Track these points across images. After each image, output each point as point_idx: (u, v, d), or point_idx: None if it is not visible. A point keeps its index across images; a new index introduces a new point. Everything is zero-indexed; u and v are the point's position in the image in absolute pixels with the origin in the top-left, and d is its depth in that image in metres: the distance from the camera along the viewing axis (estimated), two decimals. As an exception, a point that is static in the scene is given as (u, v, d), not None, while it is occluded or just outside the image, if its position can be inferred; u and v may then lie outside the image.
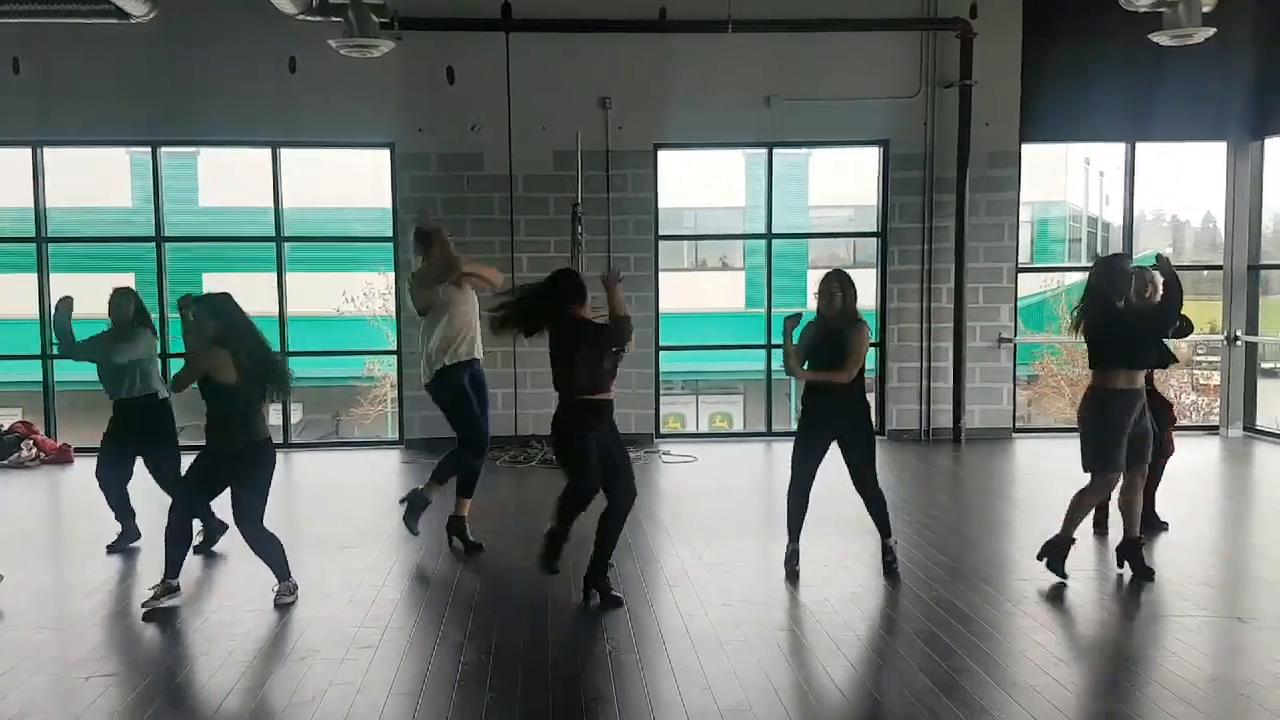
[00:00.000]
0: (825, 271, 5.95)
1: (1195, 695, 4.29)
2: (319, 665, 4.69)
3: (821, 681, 4.55)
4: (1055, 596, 5.58)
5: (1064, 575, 5.79)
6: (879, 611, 5.46)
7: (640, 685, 4.46)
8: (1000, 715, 4.12)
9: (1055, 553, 5.87)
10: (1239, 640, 5.03)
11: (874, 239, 11.03)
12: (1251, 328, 11.09)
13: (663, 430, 11.24)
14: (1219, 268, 11.35)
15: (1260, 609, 5.42)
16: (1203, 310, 16.21)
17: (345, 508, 8.05)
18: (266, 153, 10.51)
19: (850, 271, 5.95)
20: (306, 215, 13.72)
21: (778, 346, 10.98)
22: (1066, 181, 18.93)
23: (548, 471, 9.35)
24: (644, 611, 5.40)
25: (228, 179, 16.70)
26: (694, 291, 19.25)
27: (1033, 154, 11.15)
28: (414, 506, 6.57)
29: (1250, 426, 11.00)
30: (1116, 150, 11.20)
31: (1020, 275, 11.08)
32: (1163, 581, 5.83)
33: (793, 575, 5.91)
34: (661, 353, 10.87)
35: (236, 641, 4.99)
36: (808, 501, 5.95)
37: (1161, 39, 8.39)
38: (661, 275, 10.91)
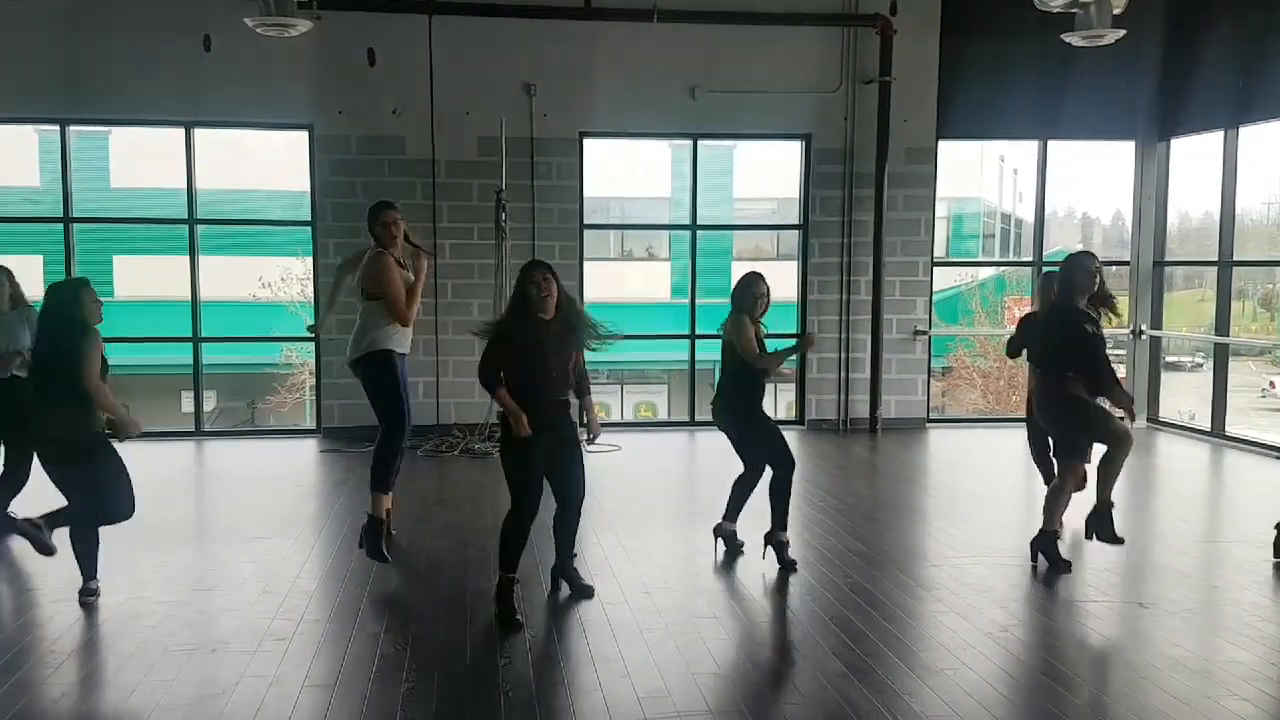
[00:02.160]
0: (749, 273, 6.16)
1: (1099, 680, 4.45)
2: (230, 658, 4.61)
3: (738, 667, 4.61)
4: (965, 583, 5.71)
5: (1067, 567, 5.90)
6: (796, 598, 5.54)
7: (559, 674, 4.46)
8: (910, 699, 4.21)
9: (1047, 548, 5.97)
10: (1141, 625, 5.21)
11: (796, 232, 11.16)
12: (1156, 322, 11.48)
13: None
14: (1126, 263, 11.71)
15: (1161, 595, 5.62)
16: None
17: (260, 498, 7.89)
18: (180, 133, 10.23)
19: (772, 264, 6.11)
20: (221, 198, 13.40)
21: (702, 337, 11.19)
22: (982, 178, 19.38)
23: (469, 461, 9.30)
24: (565, 601, 5.40)
25: (140, 159, 16.24)
26: (620, 281, 19.27)
27: (949, 150, 11.39)
28: (371, 535, 6.04)
29: (1154, 418, 11.39)
30: (1029, 148, 11.48)
31: (935, 269, 11.32)
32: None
33: (733, 555, 6.16)
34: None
35: (145, 634, 4.87)
36: None
37: (1073, 39, 8.61)
38: (587, 265, 10.90)
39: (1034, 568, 6.01)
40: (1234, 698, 4.25)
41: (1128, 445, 5.96)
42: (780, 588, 5.68)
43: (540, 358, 4.97)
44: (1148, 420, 11.37)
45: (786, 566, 5.89)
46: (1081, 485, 6.19)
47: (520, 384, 5.01)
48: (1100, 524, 6.00)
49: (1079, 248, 18.43)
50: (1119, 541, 6.00)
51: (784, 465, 6.01)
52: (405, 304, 6.06)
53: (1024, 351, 7.06)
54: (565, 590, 5.50)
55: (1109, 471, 5.97)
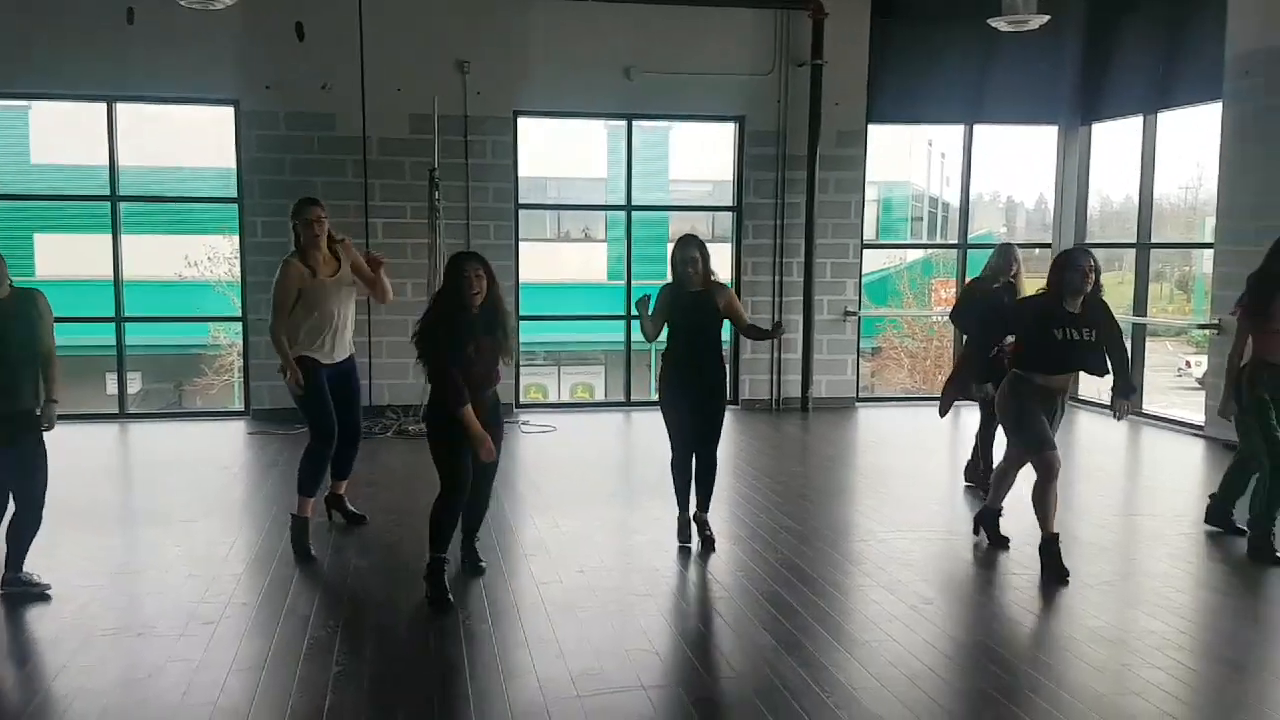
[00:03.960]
0: (680, 236, 5.98)
1: (1020, 650, 4.59)
2: (156, 641, 4.54)
3: (672, 643, 4.67)
4: (892, 557, 5.84)
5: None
6: (728, 574, 5.61)
7: (492, 654, 4.47)
8: (838, 671, 4.31)
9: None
10: (1060, 598, 5.37)
11: (730, 213, 11.23)
12: (1073, 303, 11.74)
13: (523, 400, 11.20)
14: (1048, 246, 11.99)
15: (1079, 568, 5.78)
16: (1033, 287, 17.11)
17: (187, 481, 7.75)
18: (102, 108, 9.95)
19: (709, 246, 5.96)
20: (145, 174, 13.07)
21: (638, 318, 11.12)
22: (911, 162, 19.66)
23: (402, 442, 9.24)
24: (499, 582, 5.41)
25: (61, 135, 15.74)
26: (556, 262, 19.22)
27: (880, 134, 11.53)
28: (294, 533, 5.84)
29: (1074, 396, 11.67)
30: (956, 133, 11.68)
31: (865, 251, 11.48)
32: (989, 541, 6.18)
33: (685, 547, 5.97)
34: (523, 323, 10.83)
35: (67, 618, 4.78)
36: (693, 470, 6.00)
37: (999, 24, 8.79)
38: (524, 245, 10.86)
39: (973, 540, 6.19)
40: (1149, 666, 4.41)
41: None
42: (714, 565, 5.75)
43: (472, 353, 4.91)
44: (1070, 398, 11.65)
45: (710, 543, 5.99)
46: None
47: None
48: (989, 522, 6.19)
49: (1003, 231, 18.62)
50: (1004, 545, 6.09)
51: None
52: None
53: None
54: (490, 573, 5.50)
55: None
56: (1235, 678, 4.38)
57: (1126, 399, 5.81)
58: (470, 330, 4.89)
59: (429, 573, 5.05)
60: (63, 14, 9.47)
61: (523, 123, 10.55)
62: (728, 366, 6.14)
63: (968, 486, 7.53)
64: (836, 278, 11.09)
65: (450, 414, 4.86)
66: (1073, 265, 5.57)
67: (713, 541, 5.96)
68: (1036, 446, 5.61)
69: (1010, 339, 6.24)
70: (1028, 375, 5.66)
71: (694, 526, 6.03)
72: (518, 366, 10.82)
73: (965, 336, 7.48)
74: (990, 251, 7.79)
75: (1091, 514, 6.99)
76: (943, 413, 6.41)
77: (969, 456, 7.63)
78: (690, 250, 5.81)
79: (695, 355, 5.87)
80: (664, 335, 5.98)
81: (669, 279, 5.94)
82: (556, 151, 16.79)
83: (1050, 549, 5.58)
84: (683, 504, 6.02)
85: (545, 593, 5.21)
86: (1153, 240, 10.79)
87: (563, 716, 3.88)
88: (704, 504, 6.02)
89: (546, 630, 4.71)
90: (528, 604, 5.08)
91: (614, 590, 5.29)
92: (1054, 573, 5.49)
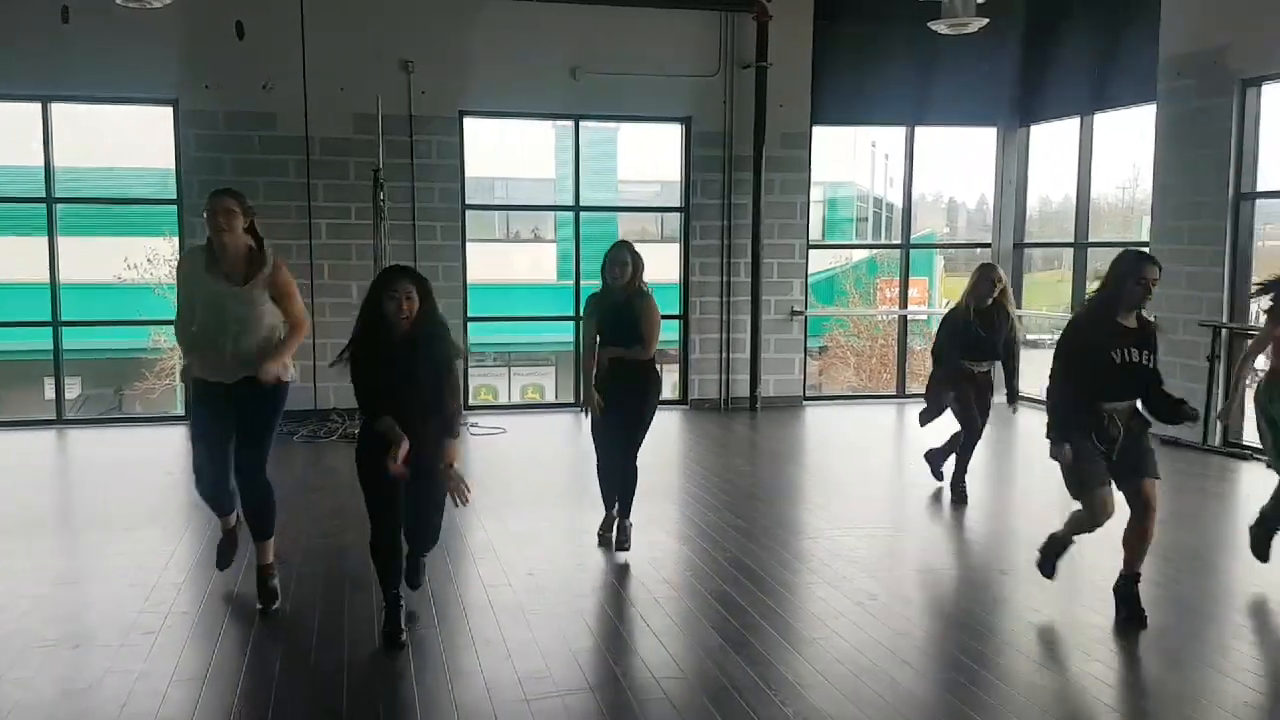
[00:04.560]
0: (615, 241, 5.86)
1: (963, 645, 4.65)
2: (95, 652, 4.46)
3: (620, 644, 4.68)
4: (837, 554, 5.90)
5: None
6: (677, 574, 5.63)
7: (439, 658, 4.45)
8: (785, 669, 4.35)
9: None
10: (1001, 590, 5.48)
11: (678, 214, 11.27)
12: (1017, 302, 11.92)
13: (473, 402, 11.14)
14: (988, 245, 12.19)
15: (1018, 561, 5.90)
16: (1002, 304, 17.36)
17: (127, 488, 7.61)
18: (36, 108, 9.72)
19: (656, 246, 6.00)
20: (81, 175, 12.80)
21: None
22: (855, 163, 19.86)
23: (347, 445, 9.13)
24: (447, 585, 5.38)
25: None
26: (505, 263, 19.13)
27: (825, 135, 11.64)
28: (223, 549, 5.32)
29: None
30: (898, 134, 11.83)
31: (811, 251, 11.58)
32: (934, 537, 6.28)
33: (605, 541, 5.99)
34: (471, 324, 10.77)
35: (4, 629, 4.67)
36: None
37: (939, 27, 8.93)
38: (472, 246, 10.81)
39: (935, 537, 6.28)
40: (1088, 659, 4.51)
41: None
42: (662, 565, 5.77)
43: (393, 382, 4.35)
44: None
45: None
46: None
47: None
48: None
49: (945, 231, 18.77)
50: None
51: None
52: (177, 315, 4.92)
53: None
54: (438, 576, 5.46)
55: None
56: (1174, 668, 4.49)
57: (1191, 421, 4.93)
58: (390, 362, 4.31)
59: (387, 611, 4.60)
60: (-7, 12, 9.26)
61: (469, 123, 10.50)
62: (652, 376, 5.83)
63: (954, 501, 7.19)
64: (783, 277, 11.17)
65: (367, 433, 4.42)
66: (1136, 274, 4.72)
67: (624, 544, 5.83)
68: (1073, 490, 4.92)
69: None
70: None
71: (608, 529, 6.02)
72: (466, 369, 10.76)
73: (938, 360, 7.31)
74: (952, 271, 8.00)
75: (1031, 508, 7.12)
76: (924, 423, 7.28)
77: (953, 469, 7.32)
78: (620, 254, 5.66)
79: (619, 364, 5.74)
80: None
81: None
82: (505, 152, 16.73)
83: (1124, 589, 4.92)
84: (608, 505, 6.05)
85: (494, 595, 5.20)
86: (1090, 239, 11.01)
87: (510, 719, 3.87)
88: (624, 509, 5.91)
89: (494, 632, 4.70)
90: (475, 606, 5.06)
91: (562, 592, 5.29)
92: (1130, 614, 4.84)
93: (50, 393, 10.62)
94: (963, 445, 7.25)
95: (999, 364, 7.22)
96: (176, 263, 5.34)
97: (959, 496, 7.17)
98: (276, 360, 4.77)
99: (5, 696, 4.01)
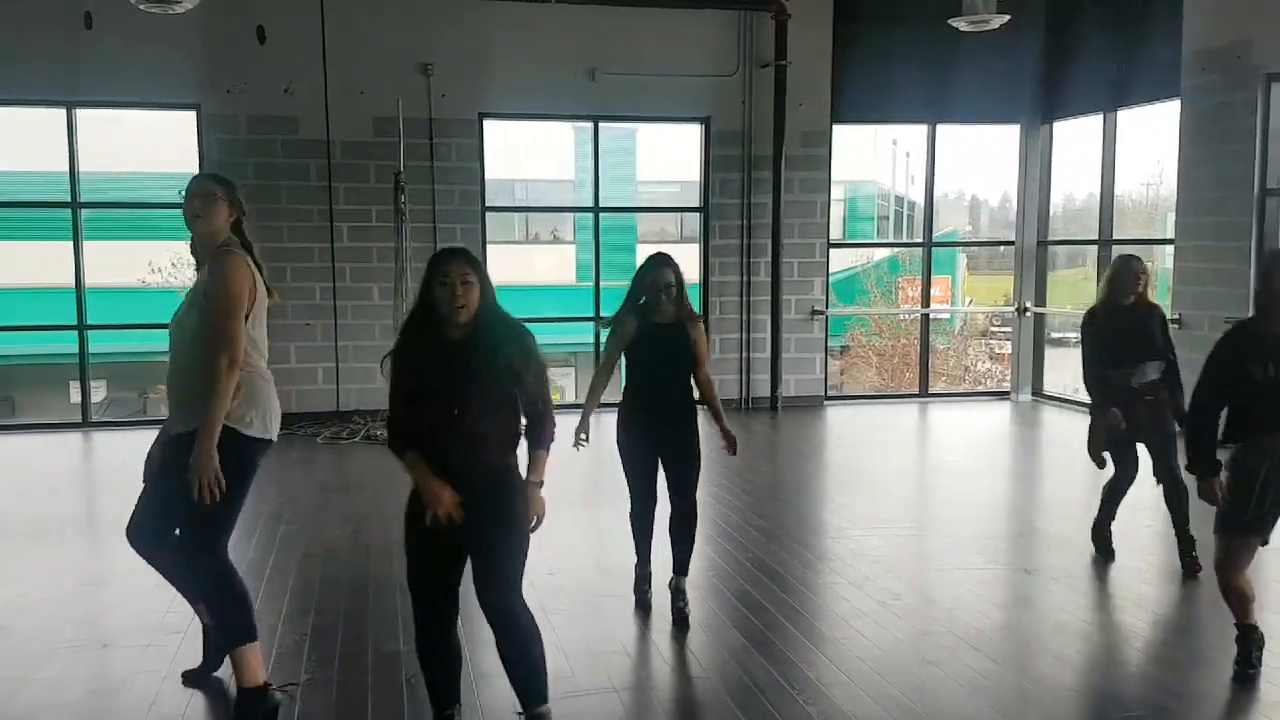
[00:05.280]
0: (651, 255, 4.99)
1: (986, 642, 4.63)
2: (122, 653, 4.50)
3: (642, 644, 4.68)
4: (860, 554, 5.88)
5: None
6: (698, 573, 5.59)
7: (464, 659, 4.45)
8: (807, 667, 4.33)
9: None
10: (1026, 590, 5.44)
11: (697, 214, 11.26)
12: (1040, 300, 11.91)
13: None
14: (1011, 243, 12.13)
15: (1044, 560, 5.87)
16: (996, 284, 17.30)
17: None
18: (61, 113, 9.82)
19: (676, 246, 5.39)
20: (106, 180, 12.91)
21: (607, 319, 11.09)
22: (876, 161, 19.79)
23: (369, 448, 9.18)
24: (467, 585, 5.37)
25: (19, 141, 15.50)
26: (525, 264, 19.15)
27: (844, 134, 11.60)
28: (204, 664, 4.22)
29: (1039, 392, 11.83)
30: (919, 132, 11.77)
31: (832, 250, 11.54)
32: (959, 536, 6.24)
33: (644, 603, 5.06)
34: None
35: (29, 631, 4.72)
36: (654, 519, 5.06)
37: (960, 24, 8.88)
38: (493, 248, 10.86)
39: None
40: (1115, 659, 4.48)
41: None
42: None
43: (441, 393, 3.34)
44: (1032, 394, 11.80)
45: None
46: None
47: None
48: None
49: (967, 229, 18.79)
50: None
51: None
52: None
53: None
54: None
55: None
56: (1197, 666, 4.45)
57: None
58: (443, 359, 3.36)
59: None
60: (19, 19, 9.34)
61: (489, 125, 10.52)
62: (694, 404, 5.08)
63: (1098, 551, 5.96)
64: (804, 277, 11.14)
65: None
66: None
67: (686, 616, 4.87)
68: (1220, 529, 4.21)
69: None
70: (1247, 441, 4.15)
71: (645, 586, 5.11)
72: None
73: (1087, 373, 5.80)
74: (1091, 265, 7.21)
75: (1056, 507, 7.09)
76: (1100, 464, 5.71)
77: (1096, 513, 5.97)
78: (666, 274, 4.81)
79: (663, 397, 4.94)
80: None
81: (626, 305, 4.94)
82: (524, 153, 16.76)
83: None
84: (643, 557, 5.08)
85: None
86: (1114, 237, 10.93)
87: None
88: (682, 566, 4.98)
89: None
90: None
91: (584, 591, 5.29)
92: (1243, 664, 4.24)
93: (76, 396, 10.72)
94: (1110, 487, 5.85)
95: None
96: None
97: (1102, 548, 5.87)
98: (200, 451, 3.53)
99: (34, 696, 4.05)
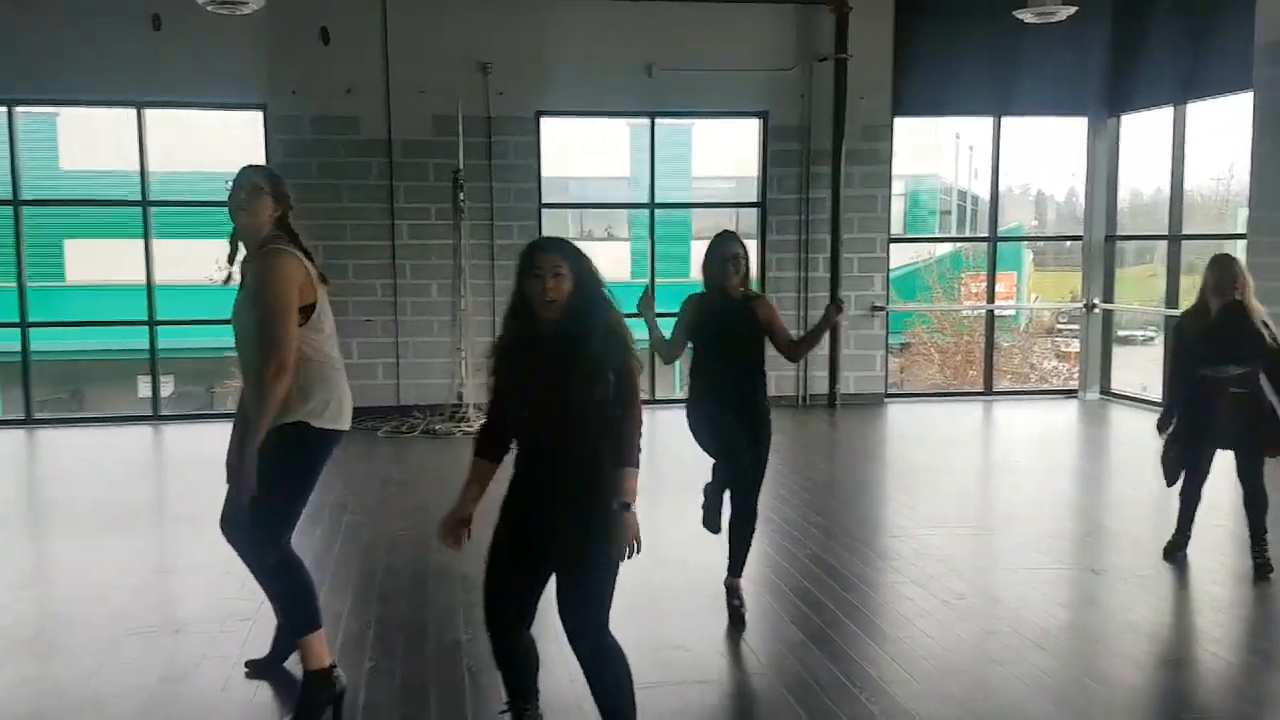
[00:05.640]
0: (718, 233, 4.90)
1: (1051, 643, 4.55)
2: (192, 639, 4.60)
3: (701, 639, 4.66)
4: (923, 553, 5.81)
5: None
6: (756, 570, 5.58)
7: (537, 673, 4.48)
8: (868, 665, 4.29)
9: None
10: (1093, 590, 5.34)
11: (754, 210, 11.20)
12: (1108, 296, 11.67)
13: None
14: (1079, 239, 11.90)
15: (1112, 561, 5.76)
16: (1064, 280, 17.00)
17: (219, 481, 7.78)
18: (131, 114, 10.06)
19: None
20: (175, 179, 13.19)
21: (662, 315, 11.08)
22: (938, 155, 19.54)
23: (429, 442, 9.28)
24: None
25: (90, 141, 15.93)
26: (580, 262, 19.18)
27: (906, 127, 11.47)
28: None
29: (1106, 390, 11.60)
30: (984, 125, 11.59)
31: (892, 246, 11.42)
32: (1024, 536, 6.14)
33: (737, 617, 4.84)
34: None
35: (104, 618, 4.84)
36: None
37: (1025, 16, 8.73)
38: (549, 245, 10.85)
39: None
40: (1184, 660, 4.37)
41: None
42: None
43: (525, 391, 3.18)
44: (1100, 392, 11.58)
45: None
46: None
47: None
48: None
49: (1034, 224, 18.44)
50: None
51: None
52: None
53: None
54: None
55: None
56: (1270, 669, 4.33)
57: None
58: (532, 354, 3.17)
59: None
60: (89, 21, 9.58)
61: (545, 122, 10.57)
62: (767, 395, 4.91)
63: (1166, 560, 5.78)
64: (864, 272, 11.03)
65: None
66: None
67: (742, 615, 4.83)
68: None
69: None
70: None
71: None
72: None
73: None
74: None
75: (1124, 507, 6.95)
76: (1171, 481, 5.61)
77: (1173, 531, 5.74)
78: (733, 245, 4.72)
79: (732, 383, 4.76)
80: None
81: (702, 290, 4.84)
82: (578, 150, 16.81)
83: None
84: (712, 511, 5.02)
85: (574, 589, 5.21)
86: (1184, 232, 10.68)
87: (594, 712, 3.87)
88: (737, 567, 4.94)
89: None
90: (554, 600, 5.07)
91: (642, 587, 5.27)
92: None
93: (145, 390, 10.98)
94: (1247, 503, 5.52)
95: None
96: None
97: (1260, 567, 5.43)
98: (246, 460, 3.59)
99: (110, 681, 4.15)
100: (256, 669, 4.15)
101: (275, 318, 3.57)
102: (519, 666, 3.44)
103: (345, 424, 3.83)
